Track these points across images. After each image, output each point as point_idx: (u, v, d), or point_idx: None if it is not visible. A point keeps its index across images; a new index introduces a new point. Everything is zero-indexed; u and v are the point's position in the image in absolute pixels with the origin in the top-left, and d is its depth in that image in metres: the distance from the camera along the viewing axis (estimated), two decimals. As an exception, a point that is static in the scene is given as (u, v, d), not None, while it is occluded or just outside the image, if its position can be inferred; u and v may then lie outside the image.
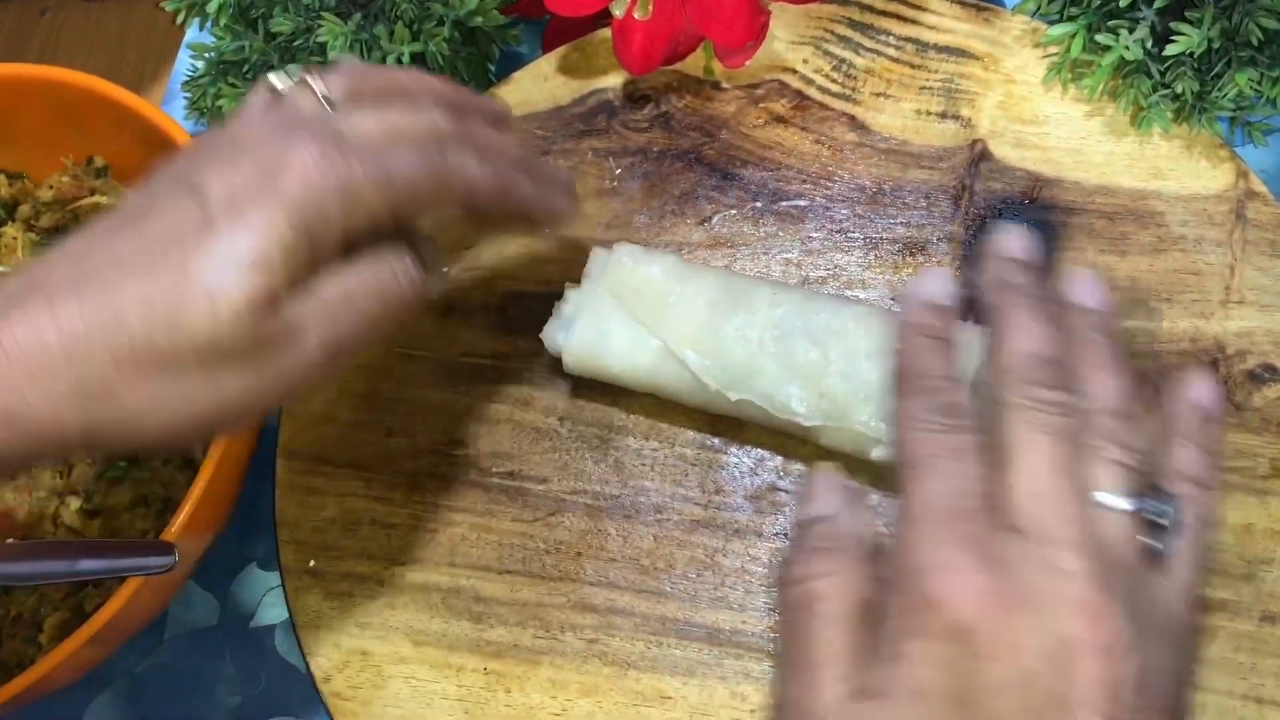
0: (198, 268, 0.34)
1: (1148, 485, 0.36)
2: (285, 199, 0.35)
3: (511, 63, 0.62)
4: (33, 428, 0.34)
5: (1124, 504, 0.35)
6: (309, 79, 0.40)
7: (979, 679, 0.32)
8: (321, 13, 0.51)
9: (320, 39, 0.51)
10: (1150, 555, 0.36)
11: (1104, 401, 0.37)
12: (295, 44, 0.52)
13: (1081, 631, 0.32)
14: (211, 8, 0.52)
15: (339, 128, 0.38)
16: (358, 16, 0.52)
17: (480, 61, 0.58)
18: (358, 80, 0.41)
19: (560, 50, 0.57)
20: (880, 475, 0.48)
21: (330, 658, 0.48)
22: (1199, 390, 0.39)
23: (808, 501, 0.39)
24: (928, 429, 0.37)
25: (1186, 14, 0.49)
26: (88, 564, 0.45)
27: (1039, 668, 0.32)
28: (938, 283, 0.41)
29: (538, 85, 0.57)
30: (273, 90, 0.41)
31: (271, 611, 0.55)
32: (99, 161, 0.58)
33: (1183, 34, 0.48)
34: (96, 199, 0.57)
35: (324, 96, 0.40)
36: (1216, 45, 0.49)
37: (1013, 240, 0.41)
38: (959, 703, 0.32)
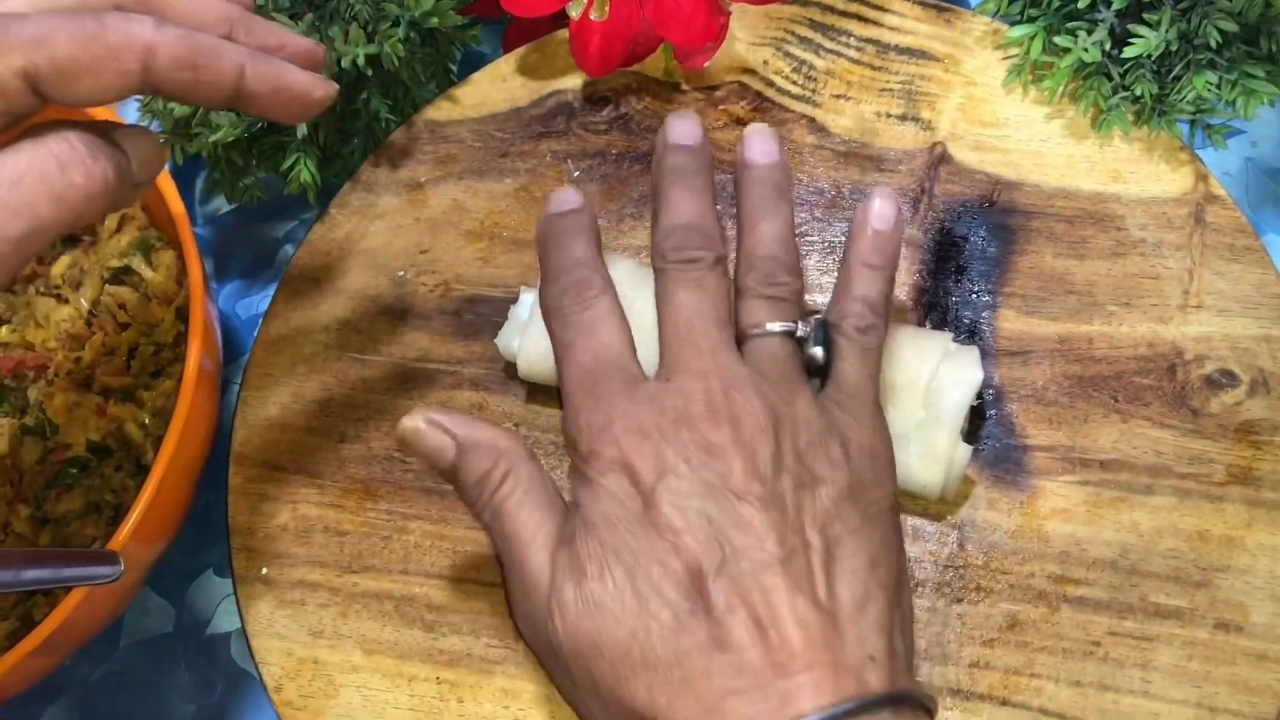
0: None
1: (797, 312, 0.42)
2: None
3: (474, 63, 0.61)
4: None
5: (770, 328, 0.41)
6: None
7: (652, 498, 0.37)
8: (273, 13, 0.50)
9: (272, 41, 0.50)
10: (812, 370, 0.41)
11: (760, 246, 0.43)
12: (247, 46, 0.51)
13: (718, 436, 0.38)
14: (162, 9, 0.51)
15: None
16: (310, 17, 0.51)
17: (440, 62, 0.58)
18: None
19: (519, 51, 0.57)
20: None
21: (282, 666, 0.48)
22: (876, 212, 0.43)
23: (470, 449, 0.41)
24: (561, 315, 0.42)
25: (1145, 16, 0.49)
26: (32, 574, 0.44)
27: (693, 469, 0.38)
28: (563, 198, 0.45)
29: (496, 86, 0.56)
30: None
31: (228, 619, 0.54)
32: (53, 164, 0.57)
33: (1140, 36, 0.48)
34: (51, 202, 0.56)
35: None
36: (1175, 47, 0.48)
37: (675, 127, 0.45)
38: (639, 521, 0.37)
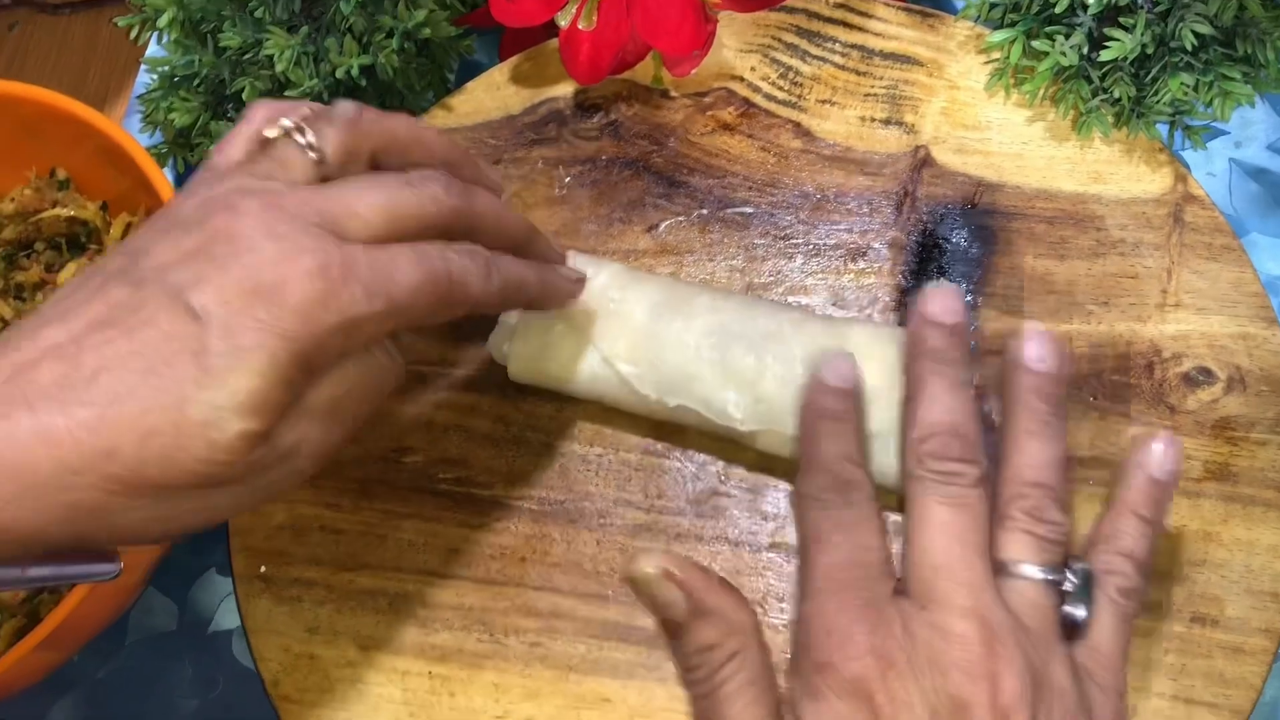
0: (196, 405, 0.33)
1: (1062, 555, 0.38)
2: (285, 333, 0.34)
3: (471, 72, 0.62)
4: (16, 538, 0.34)
5: (1032, 573, 0.37)
6: (300, 133, 0.39)
7: None
8: (269, 26, 0.52)
9: (268, 52, 0.52)
10: (1066, 624, 0.37)
11: (1025, 470, 0.39)
12: (245, 58, 0.53)
13: (974, 692, 0.34)
14: (162, 22, 0.52)
15: (336, 214, 0.37)
16: (306, 29, 0.53)
17: (436, 72, 0.59)
18: (352, 136, 0.40)
19: (512, 60, 0.58)
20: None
21: (279, 661, 0.49)
22: (1156, 459, 0.40)
23: (696, 623, 0.37)
24: (821, 506, 0.38)
25: (1120, 20, 0.49)
26: (37, 571, 0.46)
27: None
28: (842, 366, 0.41)
29: (490, 94, 0.57)
30: (261, 138, 0.39)
31: (229, 617, 0.56)
32: (61, 174, 0.59)
33: (1116, 39, 0.49)
34: (58, 211, 0.58)
35: (316, 155, 0.39)
36: (1151, 50, 0.49)
37: (935, 301, 0.41)
38: None
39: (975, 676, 0.34)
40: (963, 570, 0.36)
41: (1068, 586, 0.37)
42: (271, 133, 0.39)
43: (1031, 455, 0.39)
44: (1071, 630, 0.38)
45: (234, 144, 0.40)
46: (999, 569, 0.37)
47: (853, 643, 0.35)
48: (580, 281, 0.47)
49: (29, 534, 0.34)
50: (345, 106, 0.41)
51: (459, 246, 0.40)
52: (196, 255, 0.35)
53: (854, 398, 0.41)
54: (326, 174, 0.39)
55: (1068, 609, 0.37)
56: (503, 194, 0.47)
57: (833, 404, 0.40)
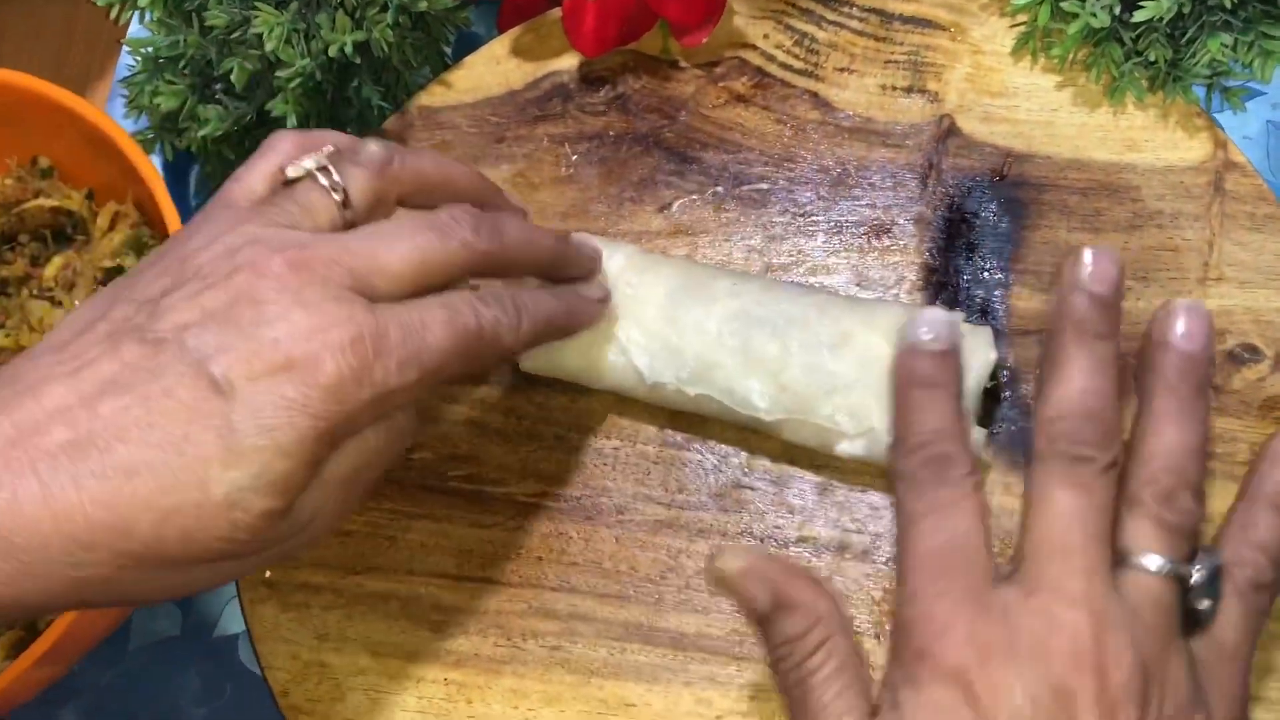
0: (219, 484, 0.32)
1: (1191, 546, 0.36)
2: (316, 413, 0.33)
3: (469, 44, 0.60)
4: (18, 611, 0.33)
5: (1156, 563, 0.35)
6: (325, 174, 0.38)
7: None
8: (257, 2, 0.49)
9: (257, 30, 0.49)
10: (1190, 617, 0.35)
11: (1160, 455, 0.36)
12: (232, 37, 0.50)
13: (1082, 683, 0.33)
14: (144, 1, 0.50)
15: (365, 273, 0.36)
16: (295, 5, 0.50)
17: (433, 46, 0.56)
18: (381, 182, 0.39)
19: (513, 32, 0.55)
20: (846, 470, 0.47)
21: (288, 670, 0.47)
22: None
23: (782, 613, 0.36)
24: (914, 486, 0.36)
25: (1157, -22, 0.47)
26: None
27: (1035, 717, 0.32)
28: (932, 324, 0.38)
29: (490, 69, 0.55)
30: (283, 175, 0.38)
31: (235, 621, 0.54)
32: (44, 162, 0.56)
33: (1153, -1, 0.46)
34: (41, 201, 0.55)
35: (341, 198, 0.38)
36: (1188, 10, 0.46)
37: (1090, 265, 0.37)
38: None
39: (1082, 667, 0.33)
40: (1079, 557, 0.34)
41: (1194, 579, 0.35)
42: (295, 173, 0.38)
43: (1169, 439, 0.36)
44: (1195, 624, 0.36)
45: (254, 177, 0.39)
46: (1121, 557, 0.35)
47: (952, 631, 0.34)
48: (605, 300, 0.46)
49: (32, 606, 0.32)
50: (374, 150, 0.39)
51: (489, 295, 0.39)
52: (218, 319, 0.34)
53: (952, 360, 0.38)
54: (352, 219, 0.38)
55: (1193, 603, 0.35)
56: (529, 219, 0.47)
57: (926, 369, 0.37)
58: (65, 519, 0.31)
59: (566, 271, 0.45)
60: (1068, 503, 0.35)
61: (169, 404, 0.33)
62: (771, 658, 0.36)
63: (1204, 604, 0.35)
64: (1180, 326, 0.37)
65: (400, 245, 0.37)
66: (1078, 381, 0.36)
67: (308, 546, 0.37)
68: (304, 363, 0.33)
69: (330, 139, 0.40)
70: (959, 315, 0.39)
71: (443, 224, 0.38)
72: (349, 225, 0.38)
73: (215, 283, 0.35)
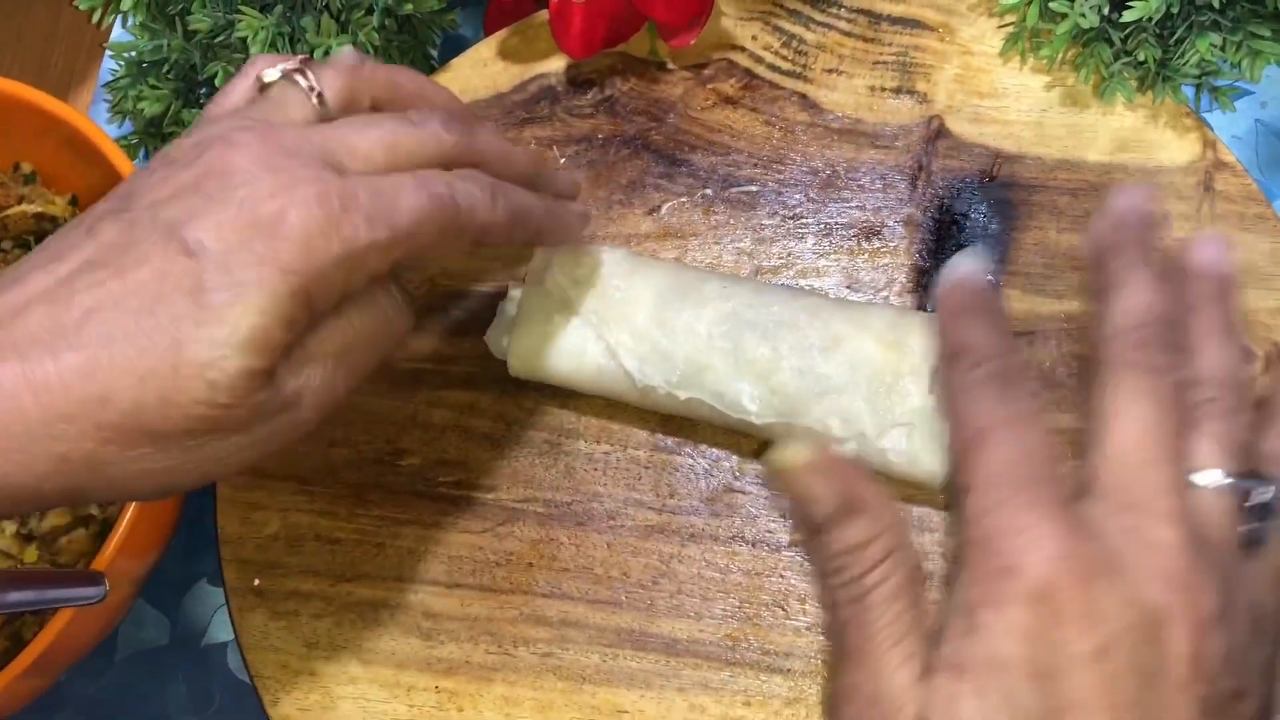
0: (193, 343, 0.32)
1: (1248, 464, 0.34)
2: (286, 266, 0.33)
3: (455, 47, 0.59)
4: (8, 493, 0.32)
5: (1222, 480, 0.33)
6: (301, 76, 0.38)
7: (1062, 649, 0.30)
8: (241, 6, 0.49)
9: (241, 34, 0.48)
10: (1245, 537, 0.34)
11: (1211, 372, 0.35)
12: (216, 41, 0.50)
13: (1173, 604, 0.31)
14: (127, 4, 0.49)
15: (335, 150, 0.36)
16: (280, 8, 0.49)
17: (419, 49, 0.56)
18: (354, 80, 0.39)
19: (499, 34, 0.55)
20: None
21: (278, 679, 0.47)
22: None
23: (816, 501, 0.34)
24: (984, 398, 0.34)
25: (1145, -22, 0.47)
26: (16, 596, 0.43)
27: (1126, 638, 0.30)
28: (972, 263, 0.37)
29: (477, 71, 0.54)
30: (260, 82, 0.38)
31: (223, 628, 0.53)
32: (26, 168, 0.56)
33: (1141, -1, 0.46)
34: (25, 207, 0.55)
35: (317, 97, 0.38)
36: (1176, 10, 0.46)
37: (1127, 196, 0.37)
38: (1041, 674, 0.30)
39: (1177, 587, 0.31)
40: (1154, 471, 0.32)
41: (1260, 497, 0.34)
42: (271, 76, 0.38)
43: (1214, 356, 0.35)
44: (1245, 542, 0.34)
45: (233, 92, 0.39)
46: (1185, 473, 0.34)
47: (1043, 544, 0.31)
48: (587, 216, 0.46)
49: (19, 489, 0.32)
50: (347, 52, 0.40)
51: (462, 173, 0.38)
52: (191, 190, 0.34)
53: (999, 294, 0.39)
54: (326, 117, 0.38)
55: (1249, 523, 0.34)
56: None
57: (980, 297, 0.36)
58: (44, 391, 0.31)
59: (546, 187, 0.44)
60: (1143, 411, 0.33)
61: (143, 272, 0.32)
62: (827, 568, 0.33)
63: (1259, 526, 0.34)
64: (1208, 253, 0.37)
65: (371, 131, 0.37)
66: (1143, 294, 0.35)
67: (296, 431, 0.36)
68: (272, 218, 0.33)
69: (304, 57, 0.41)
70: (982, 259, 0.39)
71: (414, 117, 0.38)
72: (324, 121, 0.38)
73: (188, 164, 0.35)
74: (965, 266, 0.37)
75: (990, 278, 0.37)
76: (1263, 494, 0.34)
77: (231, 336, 0.32)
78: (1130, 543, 0.31)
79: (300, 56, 0.39)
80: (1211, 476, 0.33)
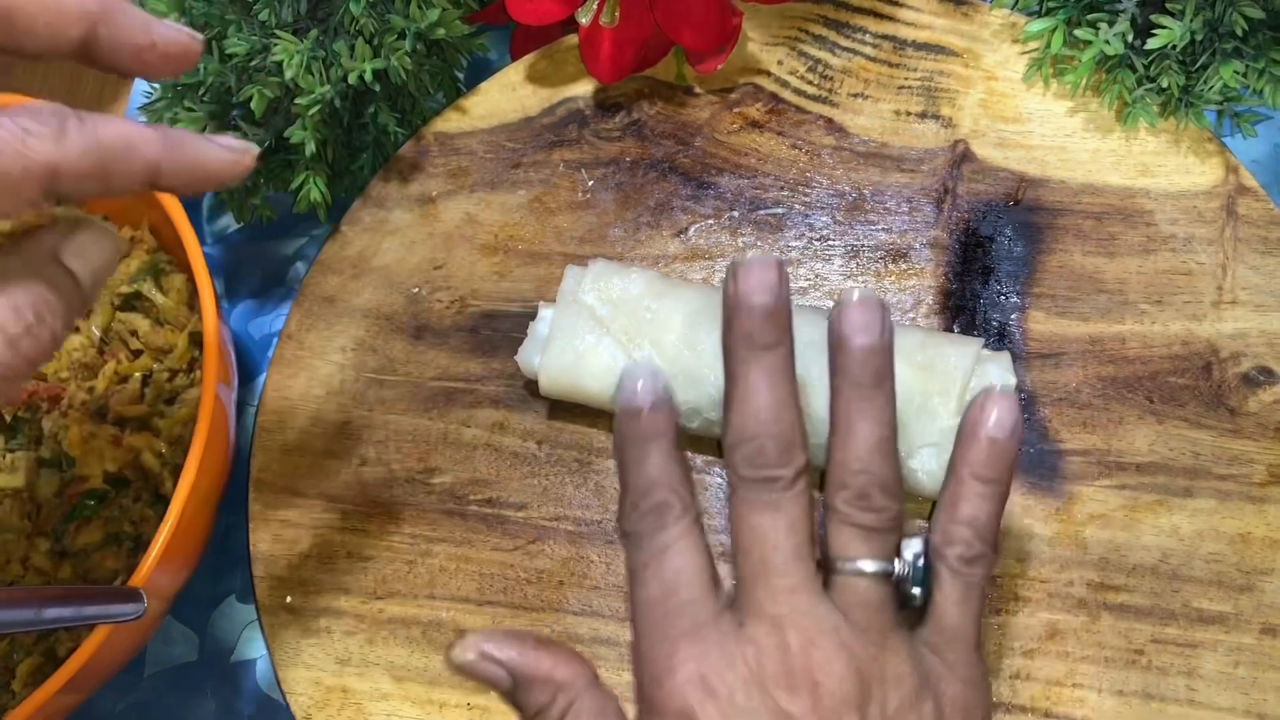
0: None
1: (894, 541, 0.36)
2: None
3: (480, 70, 0.60)
4: None
5: (861, 566, 0.35)
6: None
7: None
8: (276, 31, 0.49)
9: (276, 58, 0.49)
10: (908, 607, 0.36)
11: (851, 459, 0.36)
12: (252, 64, 0.50)
13: (793, 706, 0.33)
14: (164, 29, 0.50)
15: None
16: (315, 33, 0.50)
17: (446, 72, 0.56)
18: None
19: (528, 58, 0.56)
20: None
21: (310, 696, 0.47)
22: (994, 418, 0.36)
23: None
24: (633, 541, 0.36)
25: (1168, 5, 0.47)
26: (54, 612, 0.44)
27: None
28: (636, 380, 0.37)
29: (506, 95, 0.55)
30: None
31: (252, 645, 0.54)
32: (58, 188, 0.56)
33: (1164, 27, 0.47)
34: (57, 227, 0.55)
35: None
36: (1200, 37, 0.47)
37: (747, 277, 0.36)
38: None
39: (795, 688, 0.33)
40: (777, 577, 0.35)
41: (898, 571, 0.36)
42: None
43: (854, 439, 0.36)
44: (915, 612, 0.36)
45: None
46: (829, 565, 0.36)
47: (672, 675, 0.34)
48: (248, 153, 0.35)
49: None
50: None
51: (22, 108, 0.31)
52: None
53: (661, 412, 0.37)
54: None
55: (906, 591, 0.36)
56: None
57: (639, 426, 0.37)
58: None
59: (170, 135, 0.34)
60: (761, 525, 0.35)
61: None
62: None
63: (916, 591, 0.36)
64: (851, 319, 0.36)
65: None
66: (750, 400, 0.36)
67: None
68: None
69: None
70: (659, 371, 0.38)
71: None
72: None
73: None
74: (629, 387, 0.37)
75: (656, 397, 0.37)
76: (902, 568, 0.36)
77: None
78: (749, 654, 0.34)
79: None
80: (850, 565, 0.35)
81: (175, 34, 0.35)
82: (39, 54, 0.33)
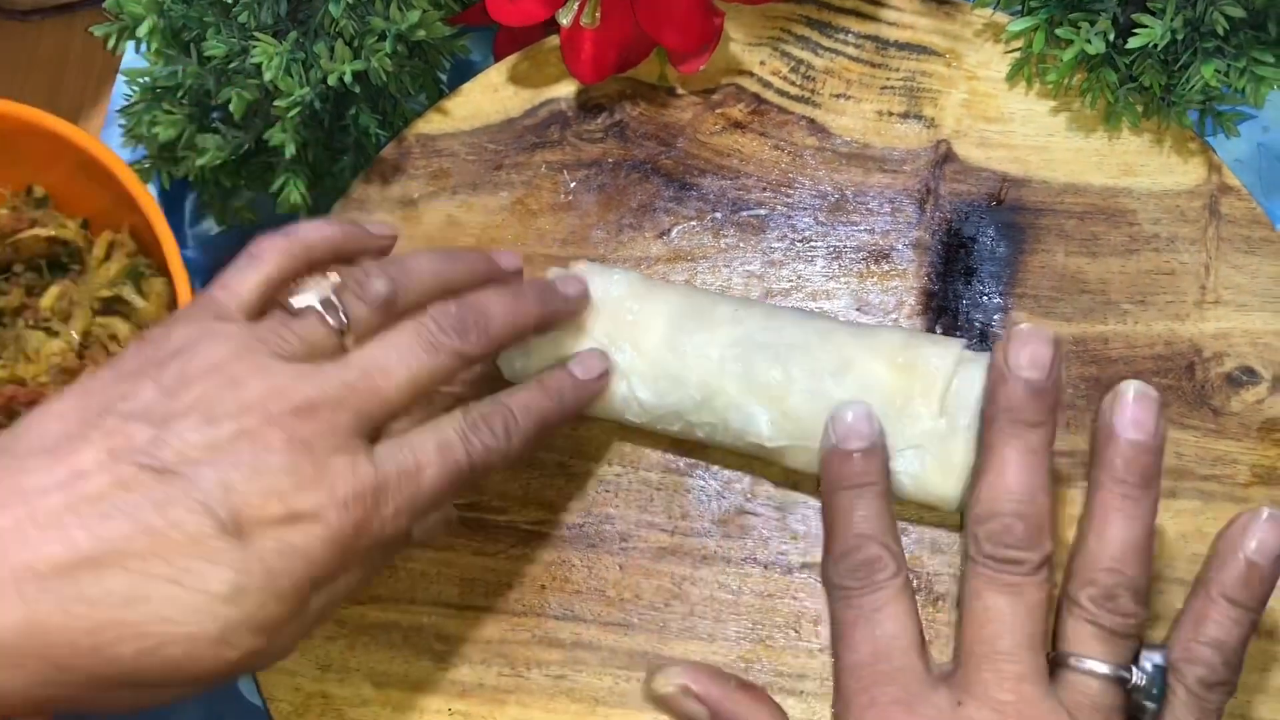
0: (214, 619, 0.32)
1: (1133, 648, 0.35)
2: (315, 561, 0.34)
3: (463, 71, 0.60)
4: None
5: (1095, 668, 0.35)
6: (329, 311, 0.38)
7: None
8: (255, 32, 0.49)
9: (255, 60, 0.49)
10: (1136, 718, 0.35)
11: (1104, 557, 0.35)
12: (231, 66, 0.50)
13: None
14: (142, 31, 0.50)
15: (364, 405, 0.36)
16: (294, 35, 0.50)
17: (428, 74, 0.56)
18: (383, 314, 0.39)
19: (510, 60, 0.56)
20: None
21: (290, 702, 0.47)
22: (1258, 539, 0.36)
23: None
24: (843, 596, 0.37)
25: (1149, 4, 0.47)
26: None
27: None
28: (854, 423, 0.38)
29: (488, 97, 0.55)
30: (284, 299, 0.38)
31: (233, 651, 0.53)
32: (38, 192, 0.56)
33: (1145, 26, 0.47)
34: (37, 231, 0.55)
35: (340, 328, 0.38)
36: (1181, 36, 0.47)
37: (1021, 349, 0.36)
38: None
39: None
40: (1007, 662, 0.34)
41: (1134, 680, 0.35)
42: (300, 304, 0.38)
43: (1111, 537, 0.36)
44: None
45: (243, 287, 0.39)
46: (1060, 660, 0.35)
47: None
48: (606, 375, 0.45)
49: None
50: (379, 288, 0.39)
51: (481, 418, 0.39)
52: (228, 459, 0.34)
53: (876, 457, 0.38)
54: (349, 346, 0.38)
55: (1137, 702, 0.35)
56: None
57: (851, 470, 0.38)
58: (45, 642, 0.31)
59: (554, 326, 0.45)
60: (998, 605, 0.35)
61: (174, 537, 0.32)
62: None
63: (1149, 705, 0.35)
64: (1126, 414, 0.36)
65: (396, 373, 0.37)
66: (1007, 477, 0.36)
67: (261, 669, 0.39)
68: (310, 516, 0.34)
69: (321, 246, 0.40)
70: (873, 413, 0.40)
71: (431, 338, 0.39)
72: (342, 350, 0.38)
73: (221, 417, 0.34)
74: (844, 427, 0.38)
75: (872, 442, 0.38)
76: (1139, 678, 0.35)
77: (251, 620, 0.33)
78: None
79: (334, 280, 0.39)
80: (1084, 663, 0.35)
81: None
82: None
